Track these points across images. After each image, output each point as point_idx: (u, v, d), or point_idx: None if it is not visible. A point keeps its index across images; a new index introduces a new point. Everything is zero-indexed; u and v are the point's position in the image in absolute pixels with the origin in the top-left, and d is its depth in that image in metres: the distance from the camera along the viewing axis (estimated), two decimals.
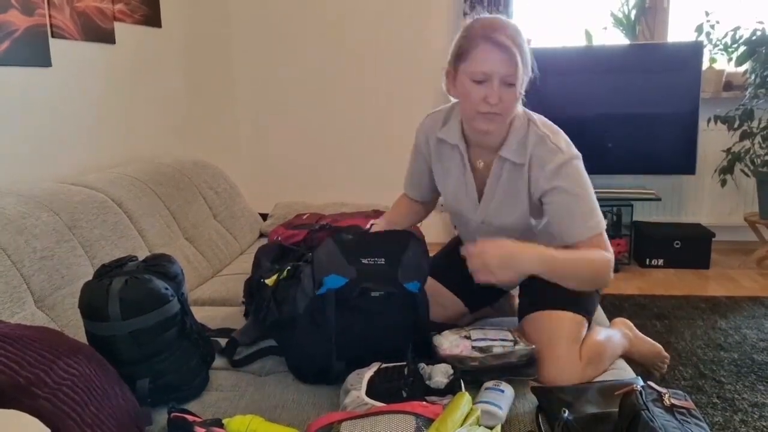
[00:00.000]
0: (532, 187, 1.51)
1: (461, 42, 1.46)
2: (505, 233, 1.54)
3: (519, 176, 1.52)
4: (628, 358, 1.86)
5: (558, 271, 1.42)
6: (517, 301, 1.75)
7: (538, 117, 1.55)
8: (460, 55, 1.46)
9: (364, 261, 1.43)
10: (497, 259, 1.34)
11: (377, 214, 2.48)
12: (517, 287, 1.77)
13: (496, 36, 1.38)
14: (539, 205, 1.54)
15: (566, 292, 1.56)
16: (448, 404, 1.10)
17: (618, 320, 1.95)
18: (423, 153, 1.72)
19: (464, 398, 1.10)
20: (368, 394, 1.21)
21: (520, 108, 1.53)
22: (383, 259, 1.43)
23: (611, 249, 1.48)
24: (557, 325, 1.51)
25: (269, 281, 1.61)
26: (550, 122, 1.56)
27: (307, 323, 1.43)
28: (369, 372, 1.28)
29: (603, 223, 1.48)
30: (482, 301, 1.84)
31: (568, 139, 1.52)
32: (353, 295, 1.39)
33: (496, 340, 1.41)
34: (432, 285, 1.78)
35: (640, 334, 1.99)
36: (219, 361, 1.56)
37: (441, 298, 1.77)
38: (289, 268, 1.60)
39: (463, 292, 1.78)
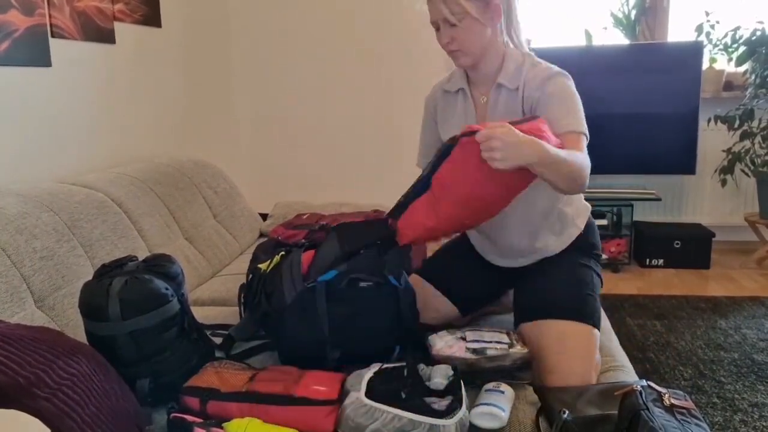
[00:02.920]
0: (525, 106, 1.55)
1: None
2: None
3: (515, 101, 1.57)
4: None
5: (549, 164, 1.33)
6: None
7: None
8: None
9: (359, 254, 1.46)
10: (502, 143, 1.28)
11: (377, 213, 2.48)
12: (511, 292, 1.75)
13: None
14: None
15: (568, 297, 1.53)
16: None
17: None
18: (432, 117, 1.77)
19: None
20: (367, 395, 1.20)
21: (510, 44, 1.60)
22: (374, 250, 1.46)
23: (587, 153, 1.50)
24: (567, 342, 1.45)
25: (263, 265, 1.61)
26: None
27: (296, 314, 1.43)
28: (369, 373, 1.27)
29: (582, 126, 1.51)
30: (473, 305, 1.80)
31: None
32: (341, 285, 1.41)
33: (491, 342, 1.40)
34: (423, 288, 1.74)
35: None
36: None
37: (432, 302, 1.73)
38: (282, 252, 1.59)
39: (454, 296, 1.75)
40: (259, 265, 1.62)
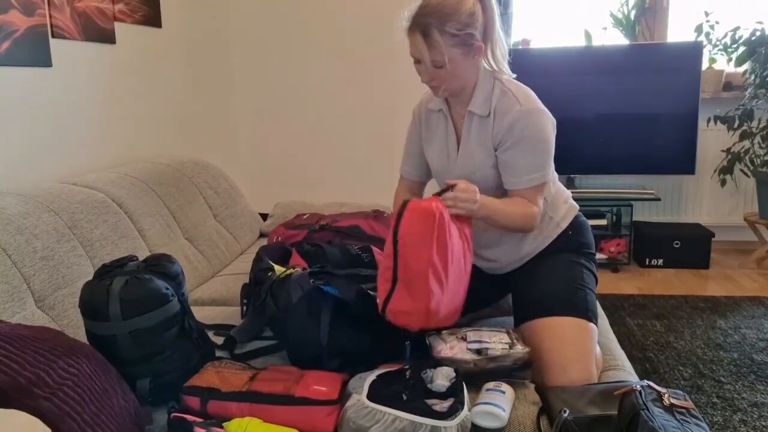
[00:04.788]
0: (493, 138, 1.59)
1: None
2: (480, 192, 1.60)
3: (485, 128, 1.60)
4: None
5: (492, 217, 1.53)
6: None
7: (506, 76, 1.62)
8: None
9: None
10: (467, 195, 1.46)
11: (377, 213, 2.48)
12: (510, 295, 1.76)
13: (412, 23, 1.51)
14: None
15: (558, 294, 1.55)
16: None
17: None
18: (417, 129, 1.80)
19: None
20: (369, 397, 1.20)
21: (485, 68, 1.60)
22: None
23: (542, 202, 1.59)
24: (561, 336, 1.47)
25: (278, 269, 1.62)
26: (516, 81, 1.62)
27: (302, 312, 1.44)
28: (371, 376, 1.27)
29: (547, 175, 1.57)
30: (473, 304, 1.81)
31: (532, 94, 1.58)
32: (350, 298, 1.45)
33: (492, 342, 1.40)
34: None
35: None
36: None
37: None
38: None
39: None
40: (275, 268, 1.63)
